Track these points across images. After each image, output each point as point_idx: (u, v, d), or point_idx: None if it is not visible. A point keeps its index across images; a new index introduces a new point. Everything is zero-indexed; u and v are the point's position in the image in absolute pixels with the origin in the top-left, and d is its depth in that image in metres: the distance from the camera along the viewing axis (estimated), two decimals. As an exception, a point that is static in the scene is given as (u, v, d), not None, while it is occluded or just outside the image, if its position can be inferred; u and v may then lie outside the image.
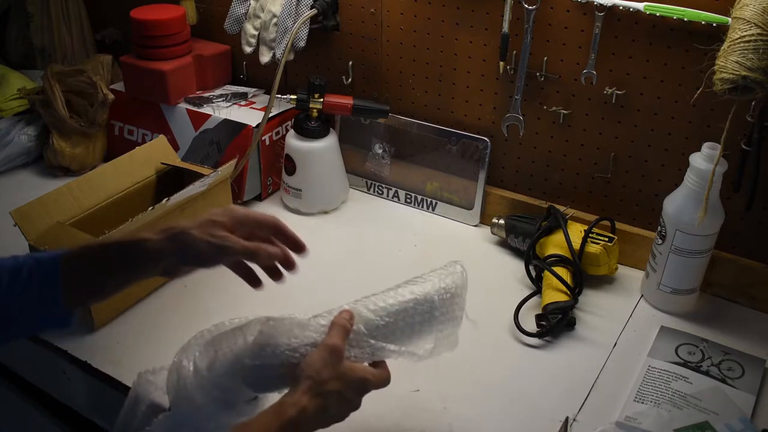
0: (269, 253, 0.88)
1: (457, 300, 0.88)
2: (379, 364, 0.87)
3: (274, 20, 1.36)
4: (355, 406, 0.83)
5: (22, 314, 0.84)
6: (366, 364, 0.86)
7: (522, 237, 1.26)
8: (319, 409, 0.79)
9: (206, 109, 1.43)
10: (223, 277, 1.21)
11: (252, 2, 1.38)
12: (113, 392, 1.01)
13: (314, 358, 0.81)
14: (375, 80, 1.42)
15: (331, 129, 1.40)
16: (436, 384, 1.01)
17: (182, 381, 0.85)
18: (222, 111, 1.42)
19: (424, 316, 0.87)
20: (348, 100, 1.36)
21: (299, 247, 0.92)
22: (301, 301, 1.16)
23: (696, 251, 1.09)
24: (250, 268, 0.93)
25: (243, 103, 1.47)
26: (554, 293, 1.12)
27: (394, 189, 1.45)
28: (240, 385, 0.85)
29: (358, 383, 0.82)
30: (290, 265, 0.91)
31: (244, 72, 1.57)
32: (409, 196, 1.43)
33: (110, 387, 1.01)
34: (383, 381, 0.86)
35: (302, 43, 1.35)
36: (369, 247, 1.32)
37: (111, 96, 1.48)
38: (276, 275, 0.92)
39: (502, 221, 1.29)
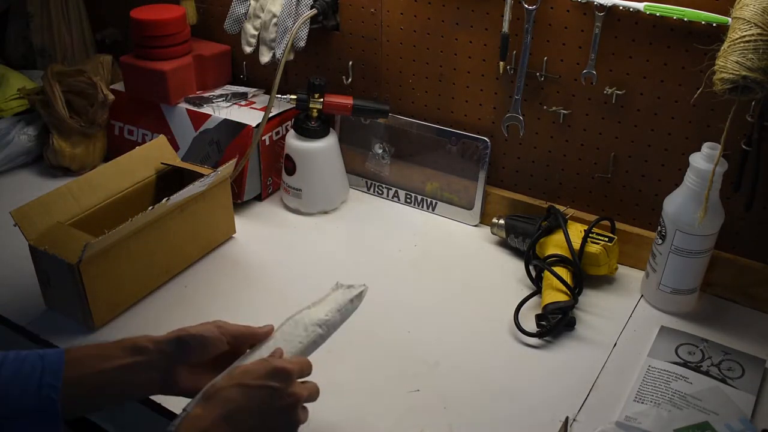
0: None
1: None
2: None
3: (274, 20, 1.36)
4: (288, 395, 0.79)
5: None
6: None
7: (522, 237, 1.26)
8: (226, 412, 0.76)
9: (206, 109, 1.43)
10: (223, 277, 1.23)
11: (252, 2, 1.38)
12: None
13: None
14: (375, 80, 1.42)
15: (331, 129, 1.40)
16: (436, 384, 1.01)
17: None
18: (222, 111, 1.42)
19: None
20: (348, 100, 1.36)
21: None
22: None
23: (696, 251, 1.09)
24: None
25: (243, 103, 1.47)
26: (554, 293, 1.12)
27: (394, 189, 1.45)
28: None
29: (264, 370, 0.79)
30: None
31: (244, 72, 1.57)
32: (409, 196, 1.43)
33: (110, 387, 1.01)
34: (300, 363, 0.83)
35: (302, 43, 1.35)
36: (369, 247, 1.31)
37: (111, 96, 1.48)
38: None
39: (502, 221, 1.29)
